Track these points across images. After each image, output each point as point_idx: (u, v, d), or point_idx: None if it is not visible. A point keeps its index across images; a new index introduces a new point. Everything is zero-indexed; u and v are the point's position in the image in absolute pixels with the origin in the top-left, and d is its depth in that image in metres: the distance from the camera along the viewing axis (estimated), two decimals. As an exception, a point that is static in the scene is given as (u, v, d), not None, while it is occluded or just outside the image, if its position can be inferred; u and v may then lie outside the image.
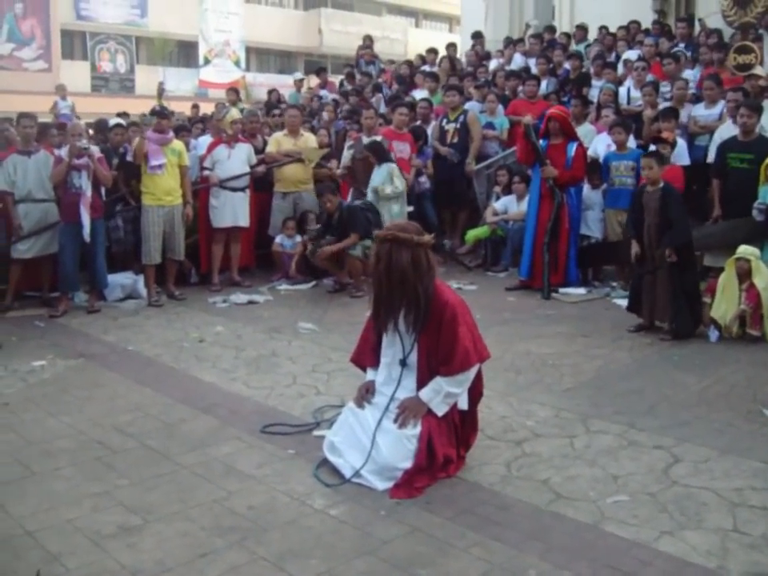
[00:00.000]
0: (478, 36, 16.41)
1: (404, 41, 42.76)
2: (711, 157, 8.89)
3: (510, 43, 15.08)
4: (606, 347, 6.78)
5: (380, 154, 9.29)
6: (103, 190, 8.57)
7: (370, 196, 9.29)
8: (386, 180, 9.24)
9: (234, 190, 9.32)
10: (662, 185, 7.06)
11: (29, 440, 4.90)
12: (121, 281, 8.89)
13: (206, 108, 17.01)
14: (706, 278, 7.91)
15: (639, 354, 6.58)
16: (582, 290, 8.82)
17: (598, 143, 9.70)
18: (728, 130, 8.77)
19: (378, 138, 9.74)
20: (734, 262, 6.89)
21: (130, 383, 6.01)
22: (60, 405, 5.56)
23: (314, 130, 11.00)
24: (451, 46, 15.34)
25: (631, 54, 12.32)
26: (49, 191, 8.58)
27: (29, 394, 5.84)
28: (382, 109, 12.24)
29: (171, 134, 8.88)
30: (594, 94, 11.37)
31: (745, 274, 6.82)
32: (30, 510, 4.01)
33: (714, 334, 6.92)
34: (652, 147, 8.84)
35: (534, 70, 12.79)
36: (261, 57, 42.66)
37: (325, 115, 12.18)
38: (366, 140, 9.84)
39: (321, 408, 5.38)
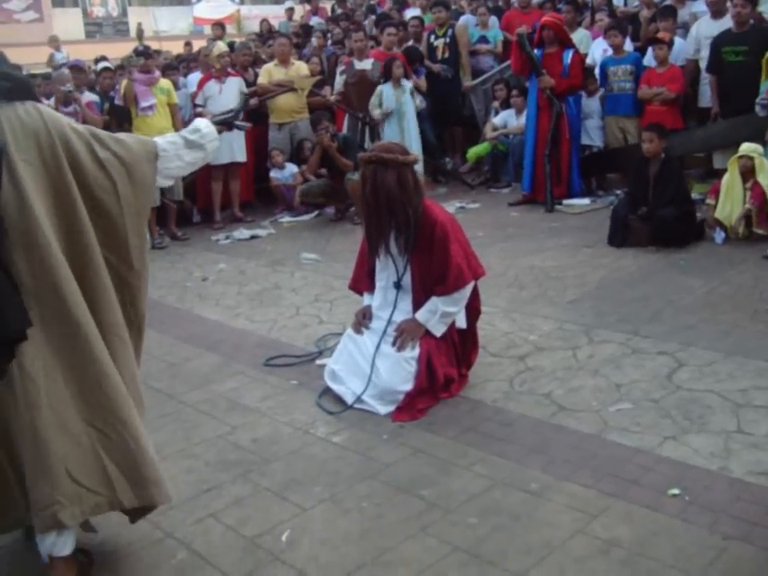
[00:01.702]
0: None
1: (398, -40, 41.80)
2: (690, 51, 8.66)
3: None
4: (611, 256, 6.69)
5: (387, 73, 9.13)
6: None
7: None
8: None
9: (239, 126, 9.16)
10: (662, 157, 6.92)
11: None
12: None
13: (202, 45, 16.72)
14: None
15: (644, 261, 6.50)
16: (585, 200, 8.69)
17: (595, 49, 9.47)
18: (707, 24, 8.51)
19: (370, 61, 9.53)
20: (736, 160, 6.75)
21: (134, 326, 5.99)
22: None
23: (302, 58, 10.78)
24: None
25: (627, -46, 11.93)
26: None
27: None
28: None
29: (158, 73, 8.74)
30: (590, -2, 11.08)
31: (748, 172, 6.67)
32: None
33: (719, 236, 6.80)
34: (649, 49, 8.66)
35: (528, -22, 12.41)
36: (254, -12, 41.85)
37: (314, 41, 11.93)
38: (357, 64, 9.64)
39: (324, 337, 5.37)
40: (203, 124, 3.26)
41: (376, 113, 9.02)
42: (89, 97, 9.02)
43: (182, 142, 3.11)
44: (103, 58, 11.79)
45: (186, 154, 3.11)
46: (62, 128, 2.78)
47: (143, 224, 2.99)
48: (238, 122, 3.62)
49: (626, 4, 10.44)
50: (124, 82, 8.63)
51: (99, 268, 2.83)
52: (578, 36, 9.64)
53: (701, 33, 8.49)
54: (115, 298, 2.90)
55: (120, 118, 9.02)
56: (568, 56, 8.54)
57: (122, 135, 3.02)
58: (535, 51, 8.59)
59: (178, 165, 3.10)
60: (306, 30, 13.31)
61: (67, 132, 2.78)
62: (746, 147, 6.72)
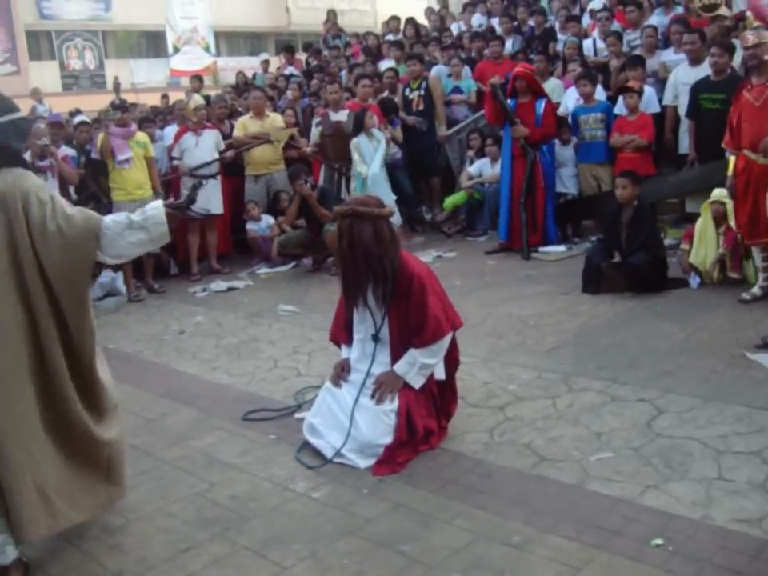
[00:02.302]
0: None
1: (372, 12, 42.30)
2: (668, 99, 8.81)
3: (467, 7, 14.86)
4: (588, 303, 6.72)
5: (358, 125, 9.21)
6: (72, 189, 8.46)
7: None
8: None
9: (205, 177, 9.18)
10: (635, 204, 7.00)
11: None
12: (99, 279, 8.76)
13: (179, 98, 16.79)
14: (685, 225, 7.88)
15: (621, 308, 6.52)
16: (561, 248, 8.75)
17: (568, 98, 9.60)
18: (684, 71, 8.63)
19: (345, 112, 9.61)
20: (709, 206, 6.82)
21: (111, 382, 5.93)
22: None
23: (277, 110, 10.85)
24: (410, 21, 14.85)
25: (596, 4, 12.14)
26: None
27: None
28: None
29: (134, 126, 8.77)
30: (560, 48, 11.24)
31: (721, 217, 6.75)
32: (9, 519, 3.95)
33: (694, 281, 6.86)
34: (620, 98, 8.80)
35: (499, 30, 12.62)
36: (230, 40, 42.25)
37: (289, 94, 12.00)
38: (333, 115, 9.72)
39: (302, 390, 5.33)
40: (152, 206, 3.45)
41: (364, 169, 9.06)
42: (65, 151, 9.01)
43: (127, 222, 3.32)
44: (78, 111, 11.82)
45: (128, 234, 3.32)
46: (27, 195, 3.21)
47: (81, 292, 3.34)
48: (191, 211, 3.66)
49: (595, 54, 10.60)
50: (101, 136, 8.64)
51: (42, 311, 3.26)
52: (550, 85, 9.78)
53: (678, 79, 8.63)
54: (57, 340, 3.30)
55: (96, 171, 9.03)
56: (541, 105, 8.65)
57: (73, 210, 3.31)
58: (508, 101, 8.70)
59: (121, 244, 3.32)
60: (287, 79, 13.39)
61: (30, 199, 3.21)
62: (717, 193, 6.80)
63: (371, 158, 9.08)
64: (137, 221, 3.33)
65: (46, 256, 3.22)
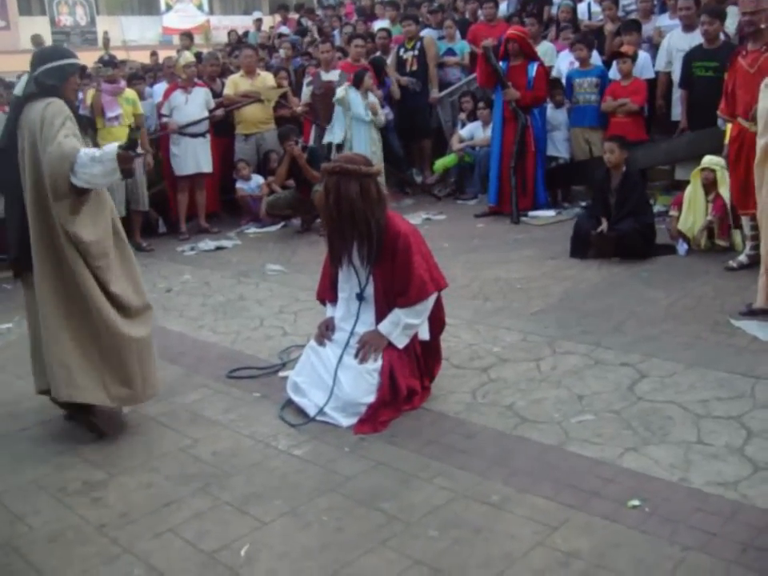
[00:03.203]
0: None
1: (368, -28, 41.86)
2: (660, 65, 8.77)
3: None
4: (575, 268, 6.73)
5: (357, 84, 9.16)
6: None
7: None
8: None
9: (194, 135, 9.11)
10: (623, 170, 6.97)
11: (-5, 402, 4.85)
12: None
13: (169, 55, 16.59)
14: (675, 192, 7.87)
15: (607, 273, 6.53)
16: (551, 212, 8.75)
17: (561, 61, 9.55)
18: (678, 37, 8.58)
19: (337, 72, 9.53)
20: (699, 173, 6.81)
21: (97, 338, 5.91)
22: (27, 366, 5.46)
23: (269, 69, 10.75)
24: None
25: (591, -33, 12.00)
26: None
27: (-5, 356, 5.78)
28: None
29: (123, 83, 8.66)
30: (555, 12, 11.14)
31: (710, 184, 6.74)
32: (-7, 472, 3.97)
33: (682, 248, 6.87)
34: (614, 63, 8.74)
35: (495, -9, 12.47)
36: (224, -1, 41.78)
37: (282, 53, 11.89)
38: (324, 75, 9.64)
39: (287, 348, 5.34)
40: (110, 145, 4.01)
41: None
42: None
43: (92, 155, 3.86)
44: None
45: (91, 165, 3.86)
46: (44, 120, 3.88)
47: (63, 200, 3.91)
48: (133, 152, 4.12)
49: (590, 18, 10.50)
50: (91, 93, 8.52)
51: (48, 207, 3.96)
52: (543, 48, 9.71)
53: (672, 45, 8.57)
54: (74, 248, 3.95)
55: (83, 127, 8.89)
56: (533, 69, 8.60)
57: (68, 139, 3.88)
58: (500, 64, 8.64)
59: (86, 172, 3.86)
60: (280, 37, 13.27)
61: (45, 123, 3.87)
62: (708, 160, 6.78)
63: (357, 111, 9.02)
64: (97, 155, 3.86)
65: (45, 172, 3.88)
